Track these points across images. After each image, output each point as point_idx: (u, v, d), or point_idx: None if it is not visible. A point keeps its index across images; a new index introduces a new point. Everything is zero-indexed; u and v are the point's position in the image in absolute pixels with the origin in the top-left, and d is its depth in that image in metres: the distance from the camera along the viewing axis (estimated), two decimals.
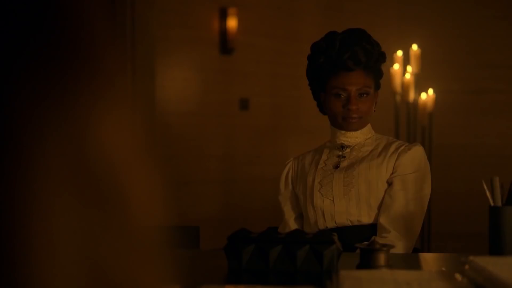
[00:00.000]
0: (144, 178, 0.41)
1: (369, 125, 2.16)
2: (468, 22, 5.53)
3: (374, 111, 2.15)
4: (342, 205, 2.06)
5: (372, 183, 2.06)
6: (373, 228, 2.04)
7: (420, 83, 4.59)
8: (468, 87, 5.52)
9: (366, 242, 1.67)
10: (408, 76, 4.51)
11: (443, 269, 1.62)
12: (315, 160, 2.17)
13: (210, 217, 4.57)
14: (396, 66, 4.44)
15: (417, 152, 2.08)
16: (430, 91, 4.62)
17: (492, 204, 1.77)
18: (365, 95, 2.09)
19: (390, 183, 2.06)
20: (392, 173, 2.06)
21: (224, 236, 1.70)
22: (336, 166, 2.12)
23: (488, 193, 1.78)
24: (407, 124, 4.64)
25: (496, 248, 1.74)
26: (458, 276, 1.40)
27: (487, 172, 2.41)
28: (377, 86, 2.15)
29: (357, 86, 2.07)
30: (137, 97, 3.87)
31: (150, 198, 0.41)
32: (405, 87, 4.51)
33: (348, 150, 2.14)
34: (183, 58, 4.63)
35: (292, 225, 2.17)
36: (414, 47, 4.60)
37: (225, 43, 4.78)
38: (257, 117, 4.96)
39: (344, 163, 2.11)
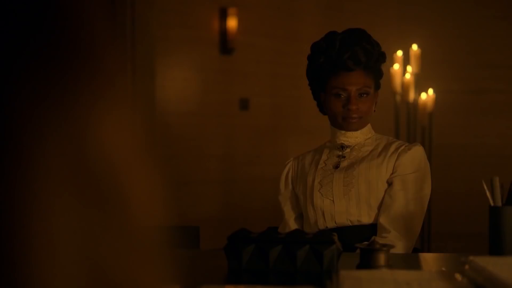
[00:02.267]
0: (144, 178, 0.41)
1: (369, 125, 2.16)
2: (468, 22, 5.53)
3: (374, 111, 2.15)
4: (342, 205, 2.06)
5: (372, 183, 2.06)
6: (373, 228, 2.04)
7: (420, 83, 4.59)
8: (468, 87, 5.52)
9: (366, 242, 1.67)
10: (408, 76, 4.52)
11: (443, 269, 1.62)
12: (315, 160, 2.17)
13: (210, 217, 4.57)
14: (396, 66, 4.44)
15: (417, 152, 2.08)
16: (430, 91, 4.62)
17: (492, 204, 1.77)
18: (365, 95, 2.09)
19: (390, 183, 2.06)
20: (392, 173, 2.06)
21: (224, 236, 1.70)
22: (336, 166, 2.12)
23: (488, 193, 1.78)
24: (407, 124, 4.64)
25: (496, 248, 1.74)
26: (458, 276, 1.40)
27: (487, 172, 2.41)
28: (377, 86, 2.15)
29: (357, 86, 2.07)
30: (137, 97, 3.87)
31: (150, 198, 0.41)
32: (405, 87, 4.51)
33: (348, 150, 2.14)
34: (183, 58, 4.63)
35: (292, 225, 2.17)
36: (414, 47, 4.60)
37: (225, 43, 4.78)
38: (257, 117, 4.96)
39: (344, 163, 2.11)
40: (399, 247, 1.97)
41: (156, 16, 4.34)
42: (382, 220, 2.02)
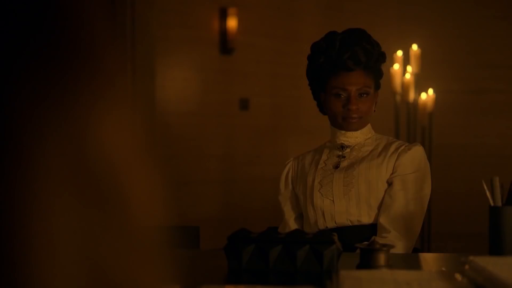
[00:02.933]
0: (144, 178, 0.41)
1: (369, 125, 2.16)
2: (468, 22, 5.53)
3: (374, 111, 2.15)
4: (342, 205, 2.06)
5: (372, 183, 2.06)
6: (373, 228, 2.04)
7: (420, 83, 4.59)
8: (468, 87, 5.52)
9: (366, 242, 1.67)
10: (408, 76, 4.52)
11: (443, 269, 1.62)
12: (315, 160, 2.17)
13: (210, 217, 4.57)
14: (396, 66, 4.44)
15: (417, 152, 2.08)
16: (430, 91, 4.62)
17: (492, 204, 1.77)
18: (365, 95, 2.09)
19: (390, 183, 2.06)
20: (392, 173, 2.06)
21: (224, 236, 1.70)
22: (336, 166, 2.12)
23: (488, 193, 1.78)
24: (407, 124, 4.64)
25: (496, 248, 1.74)
26: (458, 276, 1.40)
27: (487, 172, 2.41)
28: (377, 86, 2.15)
29: (357, 86, 2.07)
30: (137, 97, 3.87)
31: (150, 198, 0.41)
32: (405, 87, 4.51)
33: (348, 150, 2.14)
34: (183, 58, 4.63)
35: (292, 225, 2.17)
36: (414, 47, 4.60)
37: (225, 43, 4.78)
38: (257, 117, 4.96)
39: (344, 163, 2.11)
40: (399, 247, 1.96)
41: (156, 16, 4.34)
42: (382, 220, 2.02)
